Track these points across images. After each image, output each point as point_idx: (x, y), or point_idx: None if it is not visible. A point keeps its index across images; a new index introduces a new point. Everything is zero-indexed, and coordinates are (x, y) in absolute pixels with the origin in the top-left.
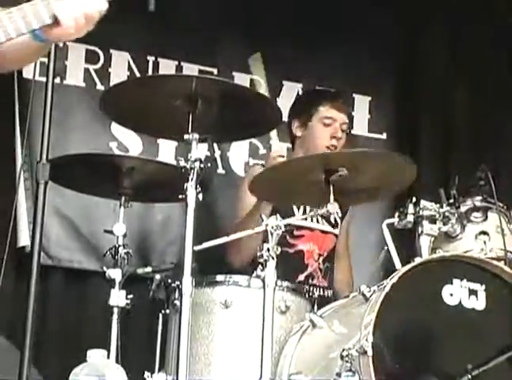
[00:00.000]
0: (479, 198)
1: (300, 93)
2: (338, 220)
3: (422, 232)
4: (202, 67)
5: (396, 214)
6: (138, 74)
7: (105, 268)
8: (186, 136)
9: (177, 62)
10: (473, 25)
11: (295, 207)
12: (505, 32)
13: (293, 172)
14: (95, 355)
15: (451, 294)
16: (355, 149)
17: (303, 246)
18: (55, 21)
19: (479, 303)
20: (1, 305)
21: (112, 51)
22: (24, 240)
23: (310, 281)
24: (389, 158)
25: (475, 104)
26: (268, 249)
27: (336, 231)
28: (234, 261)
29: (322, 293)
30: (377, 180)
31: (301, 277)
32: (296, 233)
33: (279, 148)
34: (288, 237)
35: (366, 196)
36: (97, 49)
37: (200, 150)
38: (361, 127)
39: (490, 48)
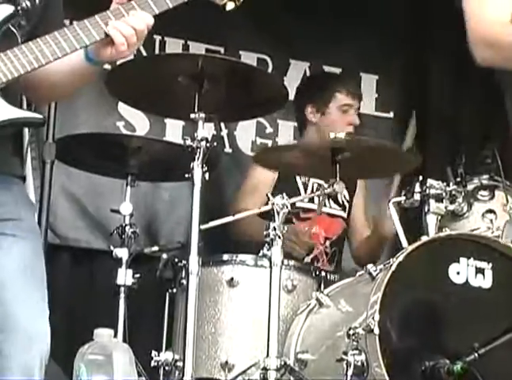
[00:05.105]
0: (486, 176)
1: (308, 74)
2: (346, 203)
3: (428, 210)
4: (209, 46)
5: (403, 193)
6: (144, 53)
7: (112, 247)
8: (193, 115)
9: (183, 41)
10: None
11: (301, 188)
12: None
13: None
14: (102, 335)
15: (458, 273)
16: (363, 137)
17: (308, 229)
18: (107, 40)
19: (485, 282)
20: None
21: None
22: None
23: (315, 264)
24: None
25: (484, 83)
26: (274, 228)
27: (344, 214)
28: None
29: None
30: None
31: (306, 259)
32: (302, 215)
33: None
34: (294, 220)
35: (371, 173)
36: None
37: (206, 129)
38: (368, 106)
39: None
